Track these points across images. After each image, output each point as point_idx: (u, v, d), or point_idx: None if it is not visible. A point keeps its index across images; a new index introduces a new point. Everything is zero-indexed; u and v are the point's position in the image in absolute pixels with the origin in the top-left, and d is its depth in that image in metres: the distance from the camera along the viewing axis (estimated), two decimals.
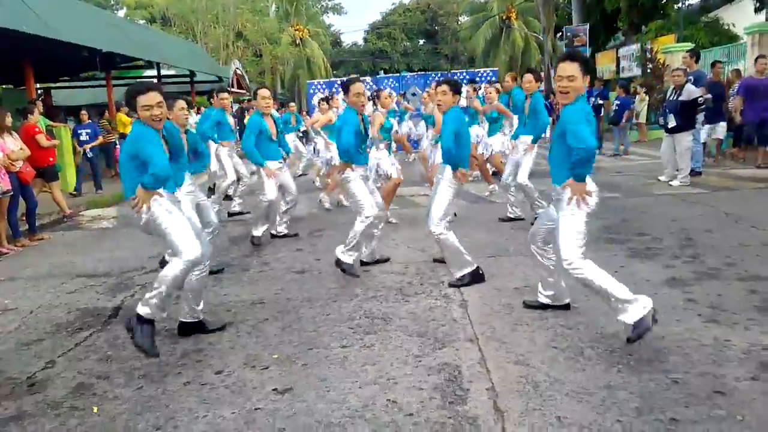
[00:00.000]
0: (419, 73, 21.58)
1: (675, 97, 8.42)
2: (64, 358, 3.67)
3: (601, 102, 13.41)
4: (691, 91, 8.38)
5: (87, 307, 4.63)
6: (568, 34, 22.18)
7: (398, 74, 20.71)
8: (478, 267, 4.55)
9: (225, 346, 3.67)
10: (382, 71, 28.18)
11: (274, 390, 3.03)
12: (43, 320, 4.40)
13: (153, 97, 3.38)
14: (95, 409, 2.97)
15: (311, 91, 19.43)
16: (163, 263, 4.94)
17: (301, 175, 12.40)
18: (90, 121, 11.79)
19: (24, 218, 7.38)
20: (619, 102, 12.78)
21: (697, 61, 9.93)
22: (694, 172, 8.76)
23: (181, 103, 4.92)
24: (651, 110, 15.38)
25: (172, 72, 19.74)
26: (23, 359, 3.70)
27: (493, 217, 6.95)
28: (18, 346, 3.92)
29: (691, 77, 9.06)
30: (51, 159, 8.34)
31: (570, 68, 3.32)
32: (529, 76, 6.31)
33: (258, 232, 6.23)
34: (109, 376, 3.36)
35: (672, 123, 8.39)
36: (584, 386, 2.86)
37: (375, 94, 7.48)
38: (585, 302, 4.00)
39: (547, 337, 3.46)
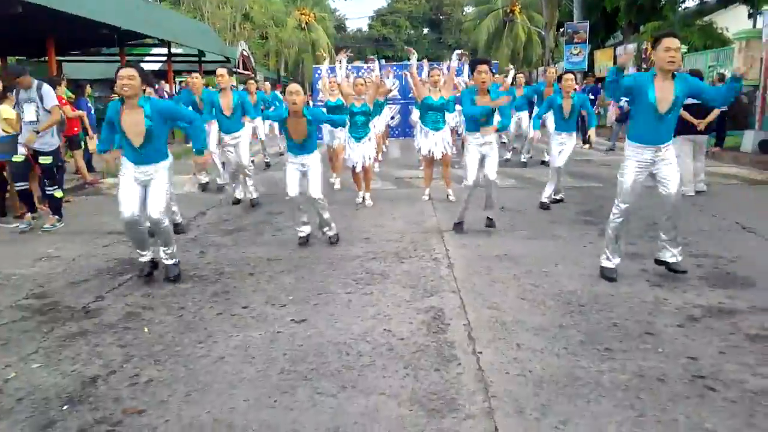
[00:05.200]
0: (421, 62, 22.09)
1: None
2: (111, 294, 4.35)
3: (592, 97, 14.04)
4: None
5: (123, 258, 5.30)
6: (569, 30, 22.76)
7: (401, 63, 21.22)
8: None
9: (248, 289, 4.36)
10: (384, 59, 28.60)
11: (292, 320, 3.73)
12: (85, 266, 5.08)
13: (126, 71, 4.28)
14: (146, 329, 3.66)
15: (317, 75, 19.88)
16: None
17: None
18: None
19: None
20: (627, 100, 13.37)
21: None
22: None
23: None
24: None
25: (180, 51, 20.27)
26: (76, 293, 4.37)
27: (480, 198, 7.62)
28: (68, 284, 4.59)
29: None
30: (76, 129, 8.98)
31: (677, 42, 4.03)
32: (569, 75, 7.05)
33: (237, 194, 7.81)
34: (153, 307, 4.04)
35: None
36: (542, 325, 3.56)
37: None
38: (554, 268, 4.71)
39: (517, 292, 4.17)
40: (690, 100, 8.06)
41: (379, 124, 10.28)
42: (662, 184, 4.29)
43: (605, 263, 4.50)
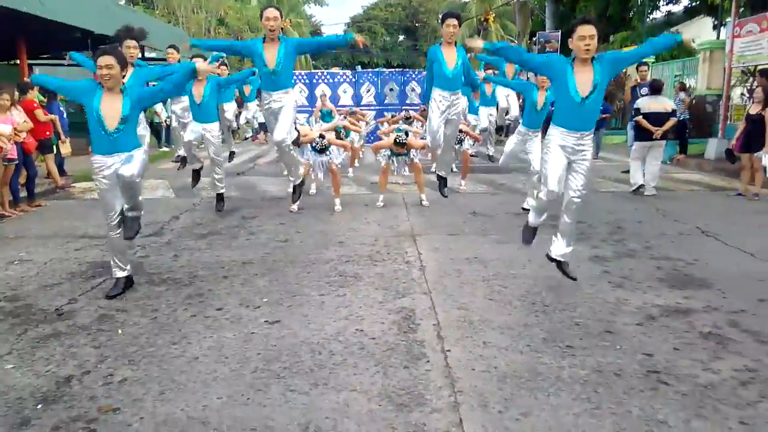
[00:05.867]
0: (397, 69, 22.32)
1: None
2: (84, 296, 4.37)
3: None
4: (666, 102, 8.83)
5: (95, 261, 5.30)
6: (541, 39, 23.18)
7: (376, 69, 21.35)
8: None
9: (222, 292, 4.42)
10: (359, 66, 28.73)
11: (265, 321, 3.80)
12: (58, 270, 5.07)
13: (104, 60, 4.05)
14: (120, 331, 3.70)
15: (293, 81, 19.88)
16: None
17: None
18: None
19: (22, 185, 7.95)
20: (602, 108, 13.62)
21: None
22: None
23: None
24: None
25: (153, 55, 20.13)
26: (48, 296, 4.38)
27: (453, 203, 7.78)
28: (41, 287, 4.59)
29: (645, 87, 10.02)
30: (47, 133, 8.91)
31: (591, 29, 3.99)
32: None
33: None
34: (126, 310, 4.07)
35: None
36: (508, 324, 3.70)
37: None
38: (521, 270, 4.87)
39: (485, 293, 4.31)
40: (648, 109, 8.42)
41: (357, 137, 10.50)
42: (573, 180, 4.25)
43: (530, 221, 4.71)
